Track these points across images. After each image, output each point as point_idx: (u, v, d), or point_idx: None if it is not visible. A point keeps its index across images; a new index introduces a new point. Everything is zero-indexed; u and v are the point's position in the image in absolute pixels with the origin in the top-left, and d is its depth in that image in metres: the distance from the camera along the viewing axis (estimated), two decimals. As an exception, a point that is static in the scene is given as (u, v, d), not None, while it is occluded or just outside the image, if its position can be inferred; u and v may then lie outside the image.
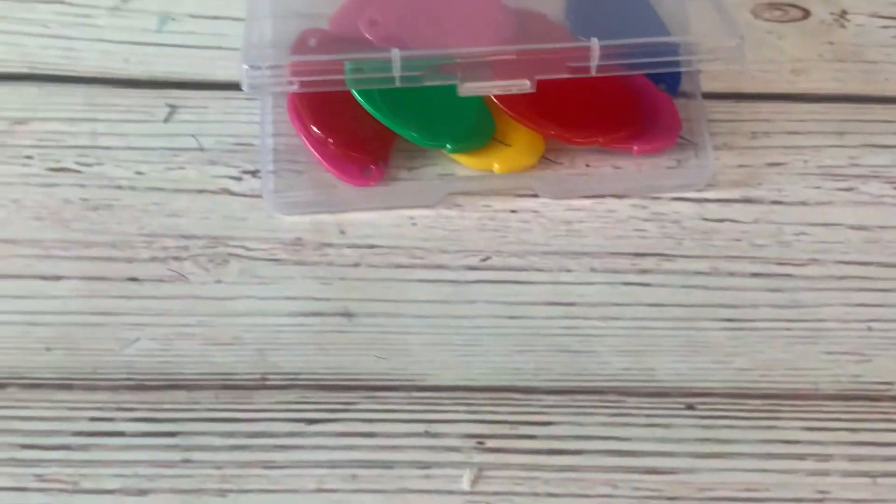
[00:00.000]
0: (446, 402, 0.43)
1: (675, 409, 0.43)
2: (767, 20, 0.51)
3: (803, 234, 0.47)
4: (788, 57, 0.51)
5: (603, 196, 0.47)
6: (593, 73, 0.43)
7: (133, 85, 0.49)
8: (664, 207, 0.47)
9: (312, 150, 0.47)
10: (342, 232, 0.46)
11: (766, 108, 0.49)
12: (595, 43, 0.43)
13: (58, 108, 0.48)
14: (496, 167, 0.47)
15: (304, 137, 0.47)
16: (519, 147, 0.48)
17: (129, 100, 0.49)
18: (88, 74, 0.49)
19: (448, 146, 0.47)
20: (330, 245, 0.46)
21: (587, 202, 0.47)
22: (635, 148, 0.48)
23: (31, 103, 0.48)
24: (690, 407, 0.43)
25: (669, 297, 0.45)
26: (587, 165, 0.48)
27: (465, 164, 0.48)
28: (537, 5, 0.50)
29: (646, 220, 0.47)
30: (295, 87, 0.43)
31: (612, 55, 0.43)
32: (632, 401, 0.43)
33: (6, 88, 0.49)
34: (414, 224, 0.47)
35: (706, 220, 0.47)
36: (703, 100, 0.49)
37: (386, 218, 0.47)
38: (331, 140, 0.47)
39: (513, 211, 0.47)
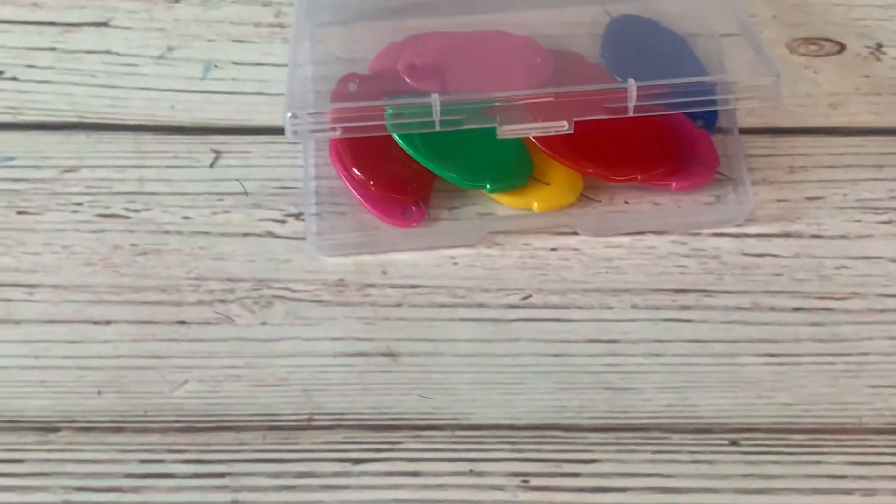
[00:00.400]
0: (490, 440, 0.43)
1: (718, 445, 0.43)
2: (803, 55, 0.52)
3: (844, 267, 0.47)
4: (825, 91, 0.51)
5: (642, 233, 0.48)
6: (631, 114, 0.44)
7: (179, 131, 0.50)
8: (704, 243, 0.47)
9: (354, 193, 0.48)
10: (384, 272, 0.47)
11: (803, 142, 0.50)
12: (632, 84, 0.43)
13: (106, 155, 0.50)
14: (535, 206, 0.48)
15: (345, 180, 0.48)
16: (557, 185, 0.48)
17: (175, 146, 0.50)
18: (135, 122, 0.51)
19: (487, 186, 0.48)
20: (372, 286, 0.47)
21: (627, 239, 0.47)
22: (674, 184, 0.48)
23: (80, 151, 0.50)
24: (734, 443, 0.43)
25: (711, 333, 0.45)
26: (626, 202, 0.48)
27: (505, 204, 0.48)
28: (573, 45, 0.51)
29: (686, 256, 0.47)
30: (337, 133, 0.44)
31: (650, 95, 0.43)
32: (675, 437, 0.43)
33: (56, 137, 0.50)
34: (455, 263, 0.47)
35: (746, 255, 0.47)
36: (741, 135, 0.49)
37: (427, 258, 0.47)
38: (372, 182, 0.48)
39: (553, 249, 0.47)
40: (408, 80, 0.49)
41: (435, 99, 0.44)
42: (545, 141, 0.47)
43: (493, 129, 0.45)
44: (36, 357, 0.45)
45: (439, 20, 0.51)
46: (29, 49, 0.52)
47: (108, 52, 0.52)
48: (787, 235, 0.47)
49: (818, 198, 0.48)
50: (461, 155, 0.47)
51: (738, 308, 0.46)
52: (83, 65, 0.52)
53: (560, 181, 0.48)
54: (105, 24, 0.53)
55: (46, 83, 0.51)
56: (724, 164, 0.48)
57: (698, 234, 0.47)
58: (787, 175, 0.49)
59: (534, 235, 0.48)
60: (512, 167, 0.48)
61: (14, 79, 0.51)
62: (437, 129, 0.44)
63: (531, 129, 0.45)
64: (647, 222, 0.48)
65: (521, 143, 0.48)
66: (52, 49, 0.52)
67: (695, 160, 0.48)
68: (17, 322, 0.46)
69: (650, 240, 0.47)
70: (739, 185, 0.48)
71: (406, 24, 0.51)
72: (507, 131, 0.45)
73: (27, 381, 0.44)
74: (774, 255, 0.47)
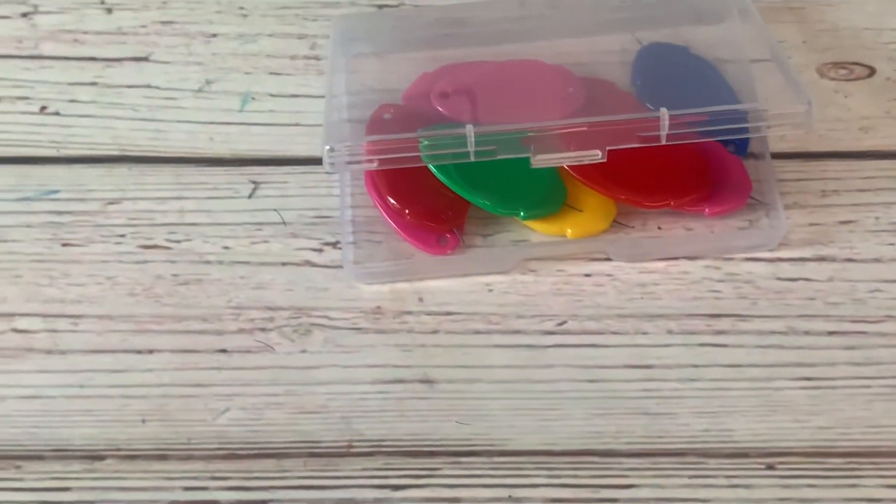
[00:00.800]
0: (528, 466, 0.44)
1: (755, 469, 0.43)
2: (833, 79, 0.52)
3: (877, 290, 0.47)
4: (855, 115, 0.51)
5: (676, 258, 0.48)
6: (663, 142, 0.44)
7: (218, 163, 0.51)
8: (737, 268, 0.48)
9: (390, 221, 0.49)
10: (420, 300, 0.48)
11: (834, 166, 0.50)
12: (664, 113, 0.44)
13: (148, 187, 0.51)
14: (569, 232, 0.48)
15: (381, 209, 0.49)
16: (591, 212, 0.49)
17: (215, 177, 0.51)
18: (176, 154, 0.51)
19: (521, 213, 0.48)
20: (409, 313, 0.47)
21: (660, 264, 0.48)
22: (707, 210, 0.48)
23: (122, 184, 0.51)
24: (771, 467, 0.43)
25: (746, 358, 0.46)
26: (659, 228, 0.49)
27: (539, 231, 0.49)
28: (604, 72, 0.51)
29: (719, 280, 0.47)
30: (374, 165, 0.45)
31: (682, 124, 0.44)
32: (712, 462, 0.43)
33: (99, 170, 0.51)
34: (490, 290, 0.48)
35: (780, 279, 0.47)
36: (772, 159, 0.49)
37: (462, 285, 0.48)
38: (407, 211, 0.48)
39: (587, 275, 0.48)
40: (441, 110, 0.50)
41: (469, 130, 0.44)
42: (578, 168, 0.48)
43: (526, 158, 0.45)
44: (81, 386, 0.46)
45: (472, 50, 0.52)
46: (71, 84, 0.53)
47: (148, 87, 0.53)
48: (821, 259, 0.48)
49: (851, 221, 0.49)
50: (495, 183, 0.48)
51: (773, 332, 0.46)
52: (124, 99, 0.53)
53: (593, 208, 0.49)
54: (145, 59, 0.54)
55: (89, 117, 0.52)
56: (756, 188, 0.49)
57: (732, 258, 0.48)
58: (820, 199, 0.49)
59: (568, 262, 0.48)
60: (545, 194, 0.48)
61: (57, 113, 0.53)
62: (472, 159, 0.45)
63: (565, 159, 0.45)
64: (680, 248, 0.48)
65: (555, 171, 0.49)
66: (94, 84, 0.53)
67: (727, 185, 0.48)
68: (63, 352, 0.47)
69: (684, 265, 0.48)
70: (772, 210, 0.48)
71: (439, 55, 0.52)
72: (541, 161, 0.45)
73: (73, 410, 0.45)
74: (808, 280, 0.47)
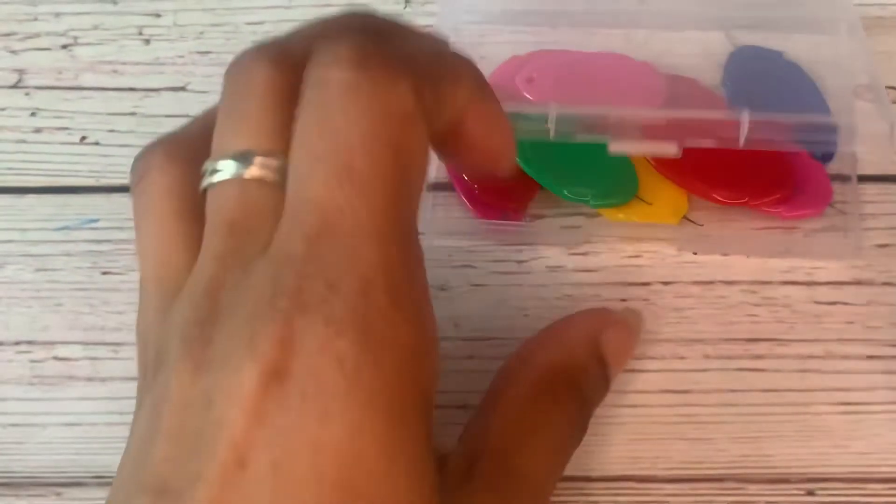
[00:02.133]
0: (565, 492, 0.43)
1: (795, 495, 0.43)
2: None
3: (917, 314, 0.47)
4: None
5: (712, 282, 0.47)
6: (741, 146, 0.43)
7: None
8: (775, 292, 0.47)
9: (460, 194, 0.49)
10: (456, 325, 0.48)
11: (871, 189, 0.49)
12: (745, 116, 0.43)
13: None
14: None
15: (456, 184, 0.49)
16: (661, 206, 0.48)
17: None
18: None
19: (590, 201, 0.48)
20: (445, 338, 0.47)
21: (696, 289, 0.48)
22: (783, 212, 0.47)
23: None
24: (811, 493, 0.43)
25: (784, 382, 0.45)
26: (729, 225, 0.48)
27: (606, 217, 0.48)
28: (692, 70, 0.50)
29: (756, 305, 0.47)
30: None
31: (763, 128, 0.43)
32: (752, 488, 0.43)
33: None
34: (526, 316, 0.48)
35: (817, 303, 0.47)
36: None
37: (498, 311, 0.48)
38: (476, 187, 0.49)
39: (622, 300, 0.48)
40: (525, 94, 0.49)
41: (552, 109, 0.44)
42: (656, 157, 0.47)
43: (601, 146, 0.45)
44: (121, 413, 0.46)
45: (566, 33, 0.51)
46: (110, 114, 0.54)
47: (186, 116, 0.53)
48: (859, 283, 0.47)
49: (888, 245, 0.48)
50: (567, 168, 0.48)
51: (811, 357, 0.46)
52: (163, 128, 0.52)
53: (664, 202, 0.48)
54: (182, 89, 0.54)
55: (127, 147, 0.53)
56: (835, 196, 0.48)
57: (769, 282, 0.48)
58: (857, 222, 0.49)
59: (603, 287, 0.48)
60: (617, 183, 0.48)
61: (97, 143, 0.53)
62: (552, 138, 0.44)
63: (641, 148, 0.45)
64: (751, 247, 0.47)
65: (629, 161, 0.48)
66: (133, 114, 0.54)
67: (807, 190, 0.48)
68: (103, 379, 0.47)
69: (720, 289, 0.48)
70: (850, 219, 0.47)
71: (529, 39, 0.51)
72: (618, 148, 0.45)
73: (114, 437, 0.46)
74: (846, 304, 0.47)
